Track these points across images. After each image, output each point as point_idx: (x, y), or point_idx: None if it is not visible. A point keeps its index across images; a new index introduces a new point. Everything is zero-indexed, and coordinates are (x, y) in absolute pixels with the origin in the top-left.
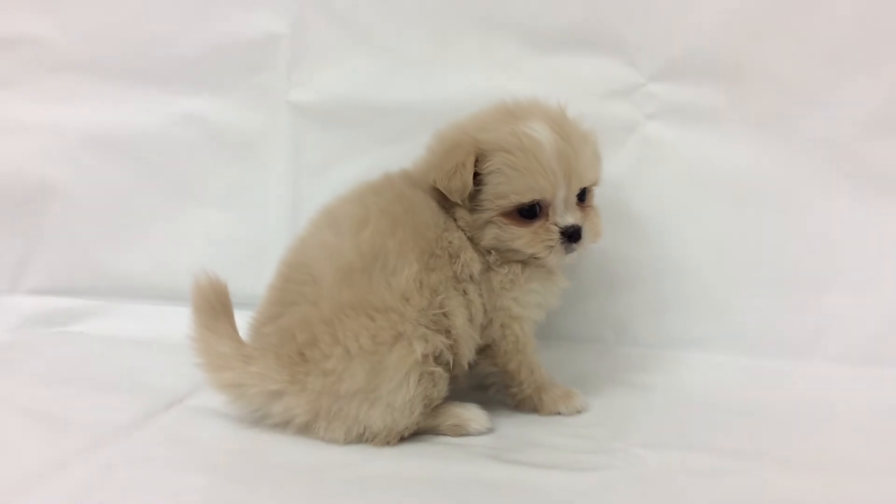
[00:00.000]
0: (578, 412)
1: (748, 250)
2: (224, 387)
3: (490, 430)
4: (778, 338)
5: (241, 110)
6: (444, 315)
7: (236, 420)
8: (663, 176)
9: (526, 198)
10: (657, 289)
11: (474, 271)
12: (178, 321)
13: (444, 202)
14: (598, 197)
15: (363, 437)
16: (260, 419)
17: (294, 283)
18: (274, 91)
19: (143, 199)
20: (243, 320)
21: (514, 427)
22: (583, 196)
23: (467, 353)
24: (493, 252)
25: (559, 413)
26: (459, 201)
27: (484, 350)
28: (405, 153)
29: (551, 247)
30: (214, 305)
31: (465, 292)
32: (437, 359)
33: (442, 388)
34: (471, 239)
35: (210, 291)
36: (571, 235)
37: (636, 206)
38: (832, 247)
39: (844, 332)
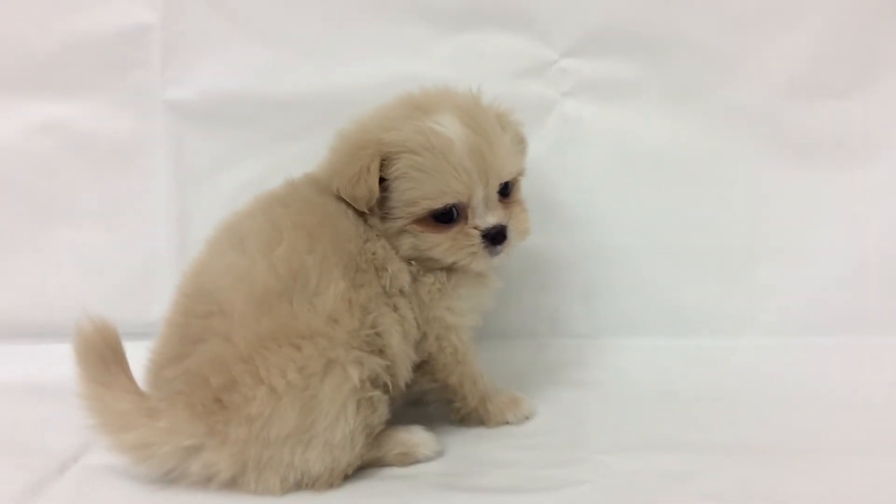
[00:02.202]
0: (527, 418)
1: (676, 228)
2: (128, 449)
3: (439, 454)
4: (713, 315)
5: (110, 115)
6: (378, 335)
7: (146, 480)
8: (584, 156)
9: (438, 203)
10: (588, 276)
11: (404, 283)
12: (54, 361)
13: (357, 210)
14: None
15: (302, 484)
16: (175, 479)
17: (197, 317)
18: (147, 90)
19: (2, 224)
20: (134, 354)
21: (464, 446)
22: (506, 190)
23: (404, 373)
24: (413, 262)
25: (507, 422)
26: (367, 210)
27: (420, 366)
28: (305, 152)
29: (474, 253)
30: (104, 354)
31: (396, 307)
32: (374, 382)
33: (382, 413)
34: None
35: (96, 338)
36: (495, 237)
37: (559, 191)
38: (759, 217)
39: (778, 304)
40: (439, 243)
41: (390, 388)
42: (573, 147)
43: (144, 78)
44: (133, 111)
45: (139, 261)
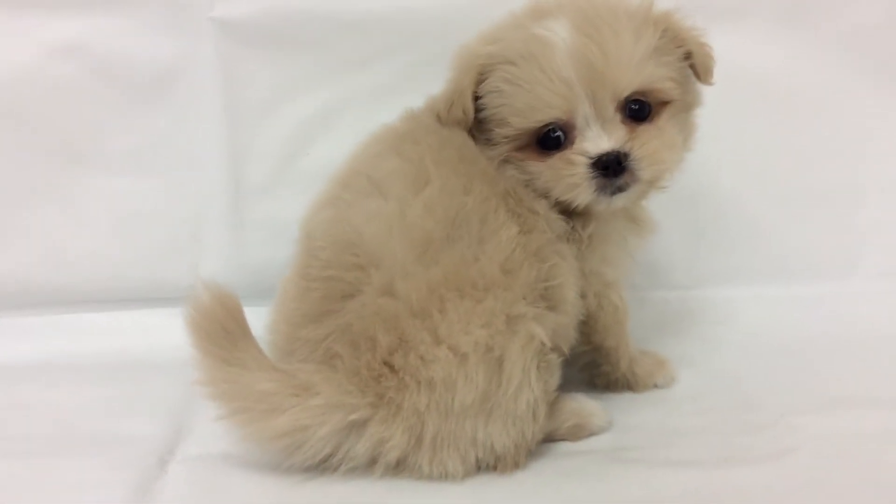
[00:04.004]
0: (673, 380)
1: (779, 164)
2: (279, 437)
3: (611, 424)
4: (817, 260)
5: (146, 34)
6: (554, 288)
7: (262, 465)
8: None
9: (531, 121)
10: (689, 222)
11: (560, 226)
12: (86, 333)
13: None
14: None
15: (483, 464)
16: (318, 466)
17: (343, 269)
18: (192, 4)
19: (16, 170)
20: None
21: (627, 414)
22: (641, 112)
23: (573, 333)
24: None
25: (656, 386)
26: (468, 135)
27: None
28: (378, 80)
29: (577, 185)
30: (230, 328)
31: (565, 256)
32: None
33: (556, 379)
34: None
35: (218, 309)
36: (608, 166)
37: None
38: (867, 153)
39: (883, 246)
40: (540, 173)
41: (565, 350)
42: None
43: None
44: (174, 31)
45: (183, 212)
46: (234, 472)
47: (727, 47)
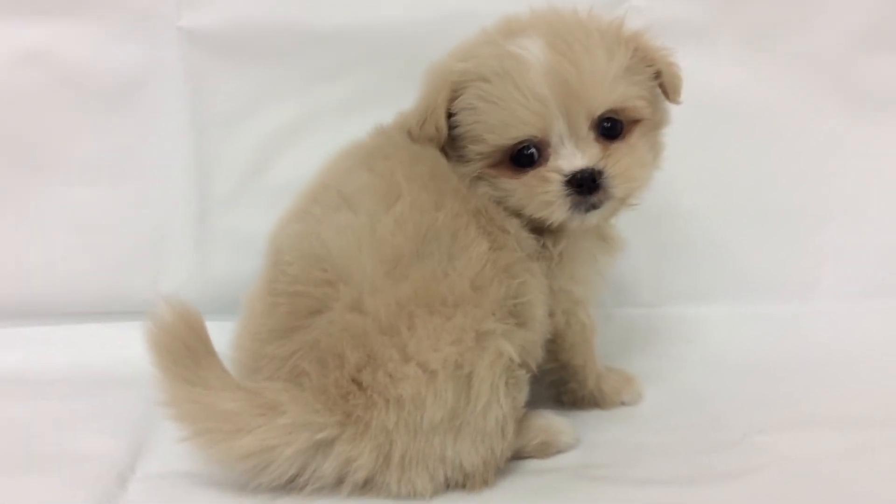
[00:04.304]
0: (640, 397)
1: (745, 185)
2: (244, 457)
3: (578, 441)
4: (780, 280)
5: (113, 42)
6: (523, 305)
7: (233, 485)
8: None
9: (505, 138)
10: (656, 240)
11: (531, 246)
12: (42, 346)
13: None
14: None
15: (453, 481)
16: (284, 485)
17: (311, 285)
18: (159, 14)
19: None
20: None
21: (594, 431)
22: (613, 130)
23: (540, 351)
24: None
25: (623, 403)
26: (439, 152)
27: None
28: (346, 93)
29: (550, 202)
30: (193, 346)
31: (535, 274)
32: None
33: (525, 396)
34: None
35: (181, 326)
36: (582, 184)
37: None
38: (830, 173)
39: (845, 267)
40: (513, 191)
41: (533, 367)
42: None
43: None
44: (141, 39)
45: (146, 224)
46: (196, 490)
47: (693, 67)
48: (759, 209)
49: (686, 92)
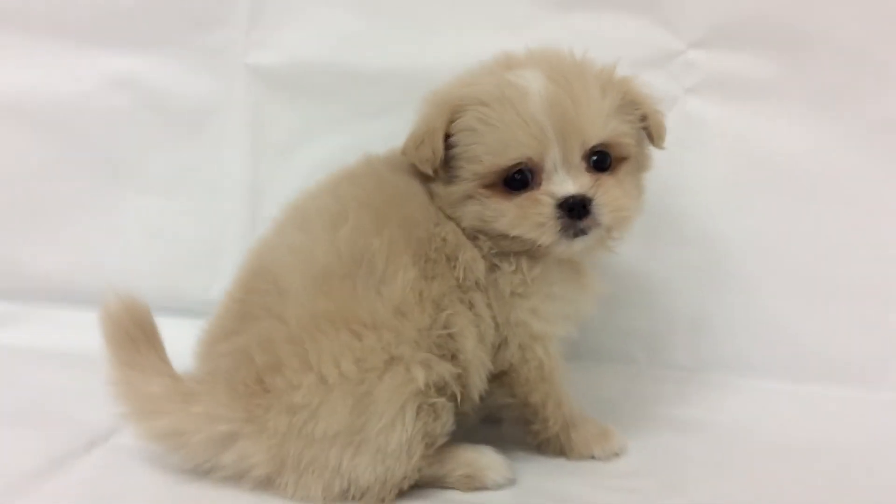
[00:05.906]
0: (616, 455)
1: (804, 254)
2: (159, 437)
3: (511, 482)
4: (841, 361)
5: (189, 73)
6: (451, 336)
7: (176, 468)
8: (704, 163)
9: (503, 159)
10: (698, 300)
11: (479, 274)
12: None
13: (425, 178)
14: None
15: (349, 494)
16: (208, 470)
17: (256, 294)
18: (230, 51)
19: (66, 182)
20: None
21: (540, 477)
22: (603, 163)
23: (478, 383)
24: (480, 237)
25: (593, 457)
26: (431, 173)
27: (498, 377)
28: (389, 129)
29: (541, 224)
30: (133, 333)
31: (471, 305)
32: (441, 389)
33: (446, 422)
34: (466, 232)
35: (124, 316)
36: (573, 209)
37: (673, 201)
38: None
39: None
40: (505, 212)
41: (459, 398)
42: (692, 151)
43: (228, 38)
44: (212, 72)
45: (205, 234)
46: (148, 467)
47: (756, 127)
48: (819, 281)
49: (743, 150)
